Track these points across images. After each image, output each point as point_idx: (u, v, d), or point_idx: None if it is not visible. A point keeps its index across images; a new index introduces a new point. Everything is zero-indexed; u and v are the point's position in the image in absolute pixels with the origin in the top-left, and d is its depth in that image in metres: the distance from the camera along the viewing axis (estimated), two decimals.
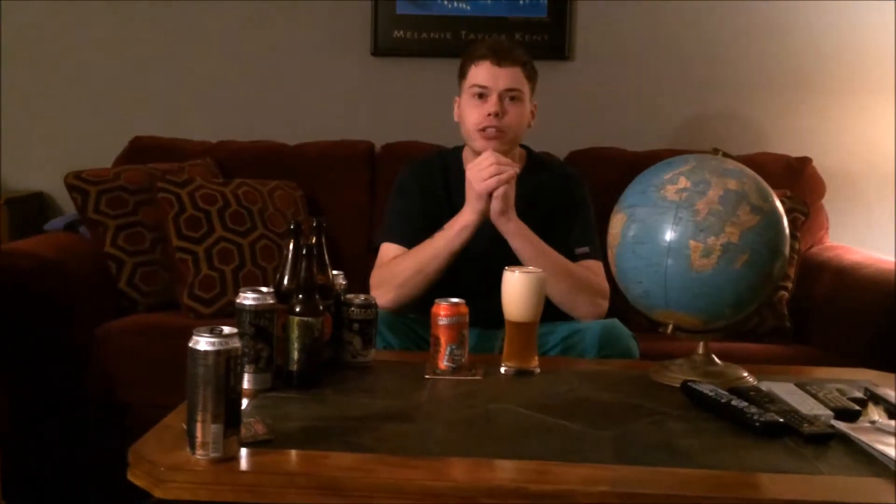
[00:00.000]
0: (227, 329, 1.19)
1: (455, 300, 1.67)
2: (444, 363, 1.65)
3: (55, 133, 3.07)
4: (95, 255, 2.49)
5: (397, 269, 1.98)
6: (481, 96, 2.02)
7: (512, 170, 1.90)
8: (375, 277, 2.03)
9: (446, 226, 1.95)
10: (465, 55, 2.10)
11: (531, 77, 2.07)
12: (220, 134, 2.94)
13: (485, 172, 1.89)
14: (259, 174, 2.73)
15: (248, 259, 2.51)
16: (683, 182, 1.57)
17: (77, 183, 2.53)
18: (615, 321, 1.93)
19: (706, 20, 3.00)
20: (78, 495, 2.28)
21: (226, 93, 3.06)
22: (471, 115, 2.04)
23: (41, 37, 3.05)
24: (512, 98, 2.02)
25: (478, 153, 1.99)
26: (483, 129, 2.01)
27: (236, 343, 1.18)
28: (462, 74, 2.09)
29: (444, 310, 1.65)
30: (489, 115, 2.00)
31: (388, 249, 2.08)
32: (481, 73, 2.02)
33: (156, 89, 3.06)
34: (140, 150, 2.82)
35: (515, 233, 1.94)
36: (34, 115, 3.07)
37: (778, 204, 1.60)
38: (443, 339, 1.65)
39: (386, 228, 2.13)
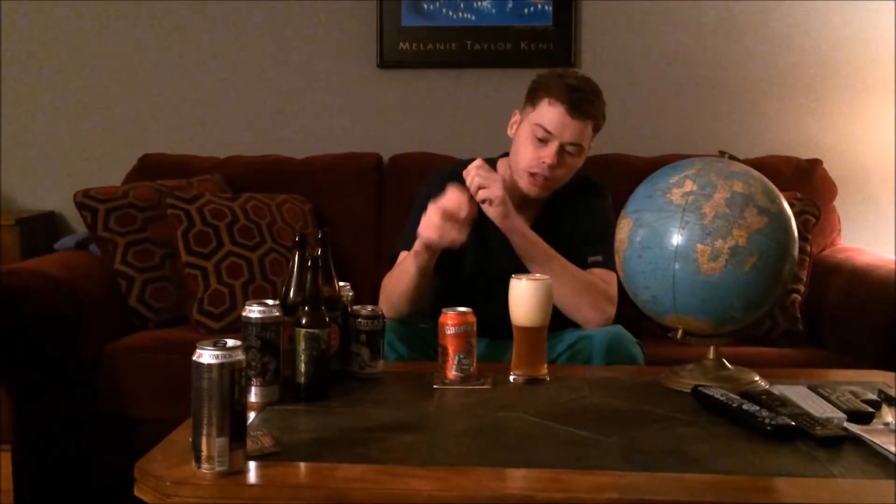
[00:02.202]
0: (230, 342, 1.18)
1: (462, 309, 1.66)
2: (452, 373, 1.64)
3: (65, 153, 3.09)
4: (105, 273, 2.50)
5: (388, 282, 1.99)
6: (543, 139, 1.96)
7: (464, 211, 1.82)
8: (381, 287, 2.02)
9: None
10: (542, 80, 2.00)
11: (598, 128, 2.01)
12: (228, 149, 2.95)
13: (430, 223, 1.82)
14: (267, 188, 2.73)
15: (258, 273, 2.51)
16: (689, 185, 1.56)
17: (86, 201, 2.54)
18: (620, 328, 1.91)
19: (712, 24, 2.99)
20: None
21: (233, 108, 3.08)
22: (526, 153, 1.97)
23: (49, 57, 3.08)
24: (572, 150, 1.96)
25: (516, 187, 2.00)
26: (532, 174, 1.97)
27: (240, 356, 1.18)
28: (532, 100, 2.00)
29: (452, 319, 1.65)
30: (545, 163, 1.95)
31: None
32: (552, 116, 1.94)
33: (164, 107, 3.08)
34: (149, 168, 2.84)
35: (518, 230, 1.92)
36: (44, 135, 3.10)
37: (785, 205, 1.59)
38: (450, 349, 1.64)
39: (404, 238, 2.09)
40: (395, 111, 3.06)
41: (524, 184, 2.00)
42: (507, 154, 2.10)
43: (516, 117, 2.06)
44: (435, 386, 1.62)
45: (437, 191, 2.07)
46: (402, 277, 1.93)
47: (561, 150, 1.95)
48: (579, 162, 2.02)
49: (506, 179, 2.00)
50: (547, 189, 2.01)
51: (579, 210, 2.08)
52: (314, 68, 3.06)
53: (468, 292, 1.95)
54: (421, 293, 1.93)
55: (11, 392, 2.14)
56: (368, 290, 2.59)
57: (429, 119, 3.04)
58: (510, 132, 2.06)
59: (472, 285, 1.98)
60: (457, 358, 1.64)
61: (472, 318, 1.66)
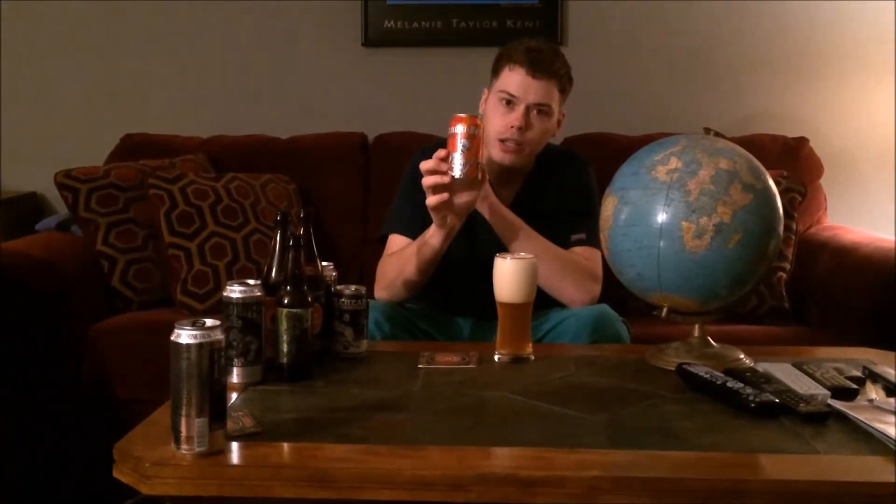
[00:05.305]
0: (209, 321, 1.17)
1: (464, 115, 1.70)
2: (453, 173, 1.69)
3: (47, 133, 3.06)
4: (87, 254, 2.48)
5: (386, 267, 1.95)
6: (508, 103, 1.94)
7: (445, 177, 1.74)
8: (377, 271, 1.99)
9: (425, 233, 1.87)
10: (503, 50, 2.00)
11: (564, 90, 1.99)
12: (212, 129, 2.92)
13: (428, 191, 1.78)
14: (251, 168, 2.71)
15: (242, 253, 2.49)
16: (674, 162, 1.55)
17: (67, 181, 2.52)
18: (605, 306, 1.90)
19: (700, 2, 2.97)
20: (72, 493, 2.27)
21: (216, 87, 3.05)
22: (494, 121, 1.96)
23: (32, 38, 3.04)
24: (539, 112, 1.94)
25: (492, 159, 1.97)
26: (503, 140, 1.95)
27: (219, 335, 1.16)
28: (495, 71, 2.00)
29: (454, 121, 1.69)
30: (512, 126, 1.93)
31: (396, 241, 2.02)
32: (513, 80, 1.94)
33: (146, 86, 3.05)
34: (131, 148, 2.81)
35: (496, 211, 1.91)
36: (26, 115, 3.06)
37: (770, 182, 1.58)
38: (451, 148, 1.69)
39: (396, 219, 2.06)
40: (381, 90, 3.03)
41: (496, 153, 1.97)
42: None
43: (485, 95, 2.04)
44: (420, 366, 1.61)
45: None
46: (408, 261, 1.87)
47: (527, 112, 1.93)
48: (551, 126, 1.99)
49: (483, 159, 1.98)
50: (520, 155, 1.97)
51: (561, 186, 2.06)
52: (299, 47, 3.03)
53: (454, 273, 1.95)
54: (427, 275, 1.89)
55: None
56: (354, 270, 2.58)
57: (414, 98, 3.01)
58: (481, 109, 2.04)
59: (458, 266, 1.96)
60: (452, 157, 1.69)
61: (470, 119, 1.69)
